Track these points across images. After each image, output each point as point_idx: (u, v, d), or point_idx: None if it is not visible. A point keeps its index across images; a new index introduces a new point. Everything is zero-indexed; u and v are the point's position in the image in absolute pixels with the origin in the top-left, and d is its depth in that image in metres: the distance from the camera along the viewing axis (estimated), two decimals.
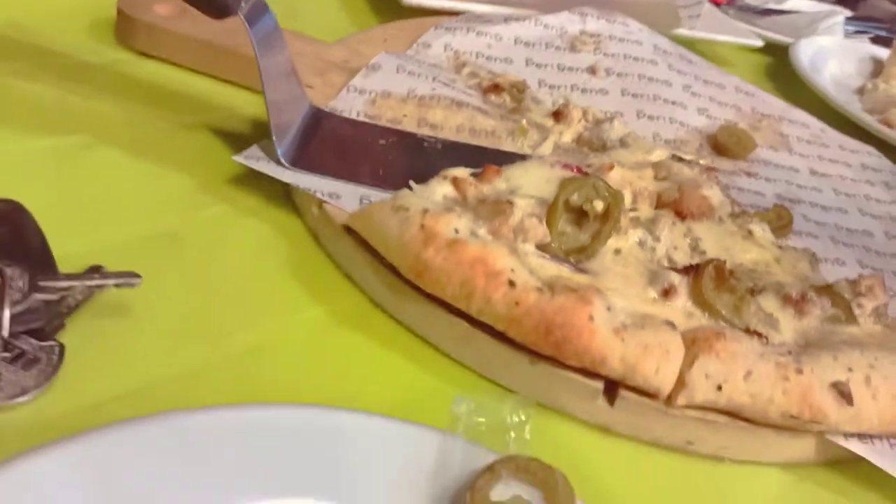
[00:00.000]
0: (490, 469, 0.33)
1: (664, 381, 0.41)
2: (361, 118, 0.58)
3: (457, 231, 0.44)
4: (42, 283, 0.35)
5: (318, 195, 0.48)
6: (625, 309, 0.43)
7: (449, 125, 0.60)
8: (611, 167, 0.54)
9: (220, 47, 0.61)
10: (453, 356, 0.44)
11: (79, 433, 0.30)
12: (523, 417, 0.35)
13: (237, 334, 0.42)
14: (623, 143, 0.62)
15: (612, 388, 0.42)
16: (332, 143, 0.54)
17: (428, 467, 0.33)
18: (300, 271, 0.47)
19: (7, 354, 0.33)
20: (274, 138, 0.50)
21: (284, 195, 0.52)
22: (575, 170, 0.53)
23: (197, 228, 0.48)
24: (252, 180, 0.52)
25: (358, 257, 0.46)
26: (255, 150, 0.51)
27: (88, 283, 0.37)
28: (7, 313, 0.33)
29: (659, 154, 0.61)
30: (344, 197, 0.49)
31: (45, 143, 0.51)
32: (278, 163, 0.50)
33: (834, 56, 1.06)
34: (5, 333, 0.33)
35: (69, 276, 0.36)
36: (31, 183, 0.48)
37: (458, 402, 0.36)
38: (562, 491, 0.32)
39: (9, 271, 0.34)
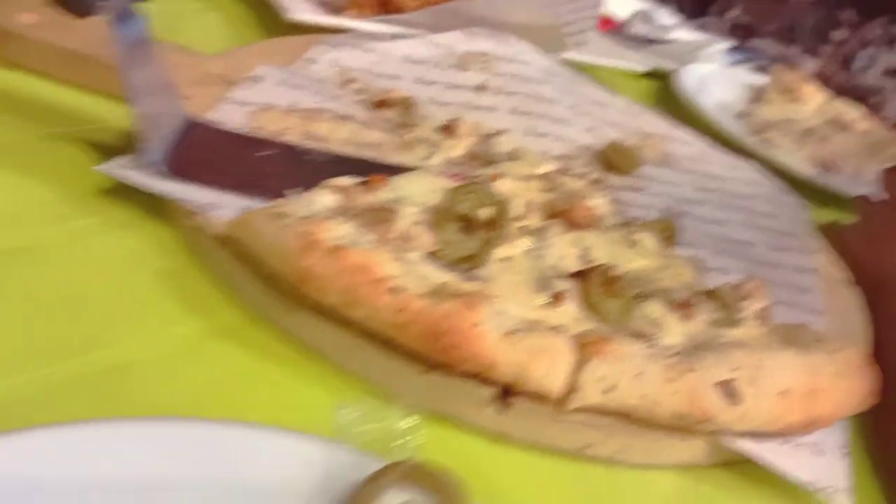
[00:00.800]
0: (375, 476, 0.31)
1: (555, 384, 0.40)
2: (241, 130, 0.55)
3: (339, 238, 0.42)
4: None
5: (193, 205, 0.46)
6: (514, 315, 0.42)
7: (334, 138, 0.58)
8: (498, 177, 0.53)
9: (88, 57, 0.58)
10: (341, 367, 0.42)
11: None
12: (412, 423, 0.33)
13: (101, 350, 0.39)
14: (512, 157, 0.62)
15: (504, 394, 0.40)
16: (208, 154, 0.51)
17: (313, 478, 0.31)
18: (173, 285, 0.44)
19: None
20: (143, 148, 0.47)
21: (157, 208, 0.49)
22: (462, 179, 0.52)
23: (59, 242, 0.45)
24: (123, 193, 0.48)
25: (236, 268, 0.44)
26: (123, 160, 0.48)
27: None
28: None
29: (546, 167, 0.60)
30: (220, 207, 0.46)
31: None
32: (149, 173, 0.47)
33: (716, 83, 1.10)
34: None
35: None
36: None
37: (343, 411, 0.33)
38: (455, 493, 0.31)
39: None
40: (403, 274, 0.41)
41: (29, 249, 0.43)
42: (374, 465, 0.31)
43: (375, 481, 0.31)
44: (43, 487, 0.28)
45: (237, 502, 0.31)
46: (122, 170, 0.46)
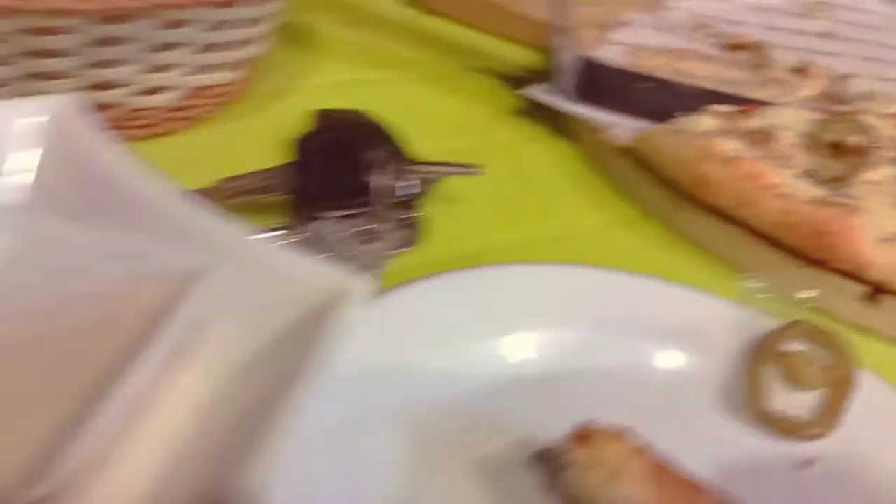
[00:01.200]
0: (780, 329, 0.39)
1: None
2: (623, 66, 0.65)
3: (730, 151, 0.50)
4: (412, 166, 0.44)
5: (599, 123, 0.56)
6: (886, 226, 0.48)
7: (700, 75, 0.66)
8: (861, 112, 0.58)
9: (495, 6, 0.70)
10: (724, 259, 0.50)
11: (452, 271, 0.38)
12: (807, 295, 0.41)
13: (539, 225, 0.51)
14: (865, 97, 0.66)
15: (874, 292, 0.47)
16: (599, 85, 0.61)
17: (723, 329, 0.40)
18: (581, 184, 0.55)
19: (395, 217, 0.43)
20: (558, 78, 0.58)
21: (553, 126, 0.60)
22: (826, 113, 0.57)
23: (493, 147, 0.57)
24: (526, 115, 0.60)
25: (634, 174, 0.53)
26: (539, 87, 0.59)
27: (446, 168, 0.46)
28: (397, 185, 0.43)
29: None
30: (619, 126, 0.56)
31: (361, 76, 0.62)
32: (562, 98, 0.58)
33: None
34: (395, 200, 0.43)
35: (429, 163, 0.46)
36: (356, 104, 0.58)
37: (746, 280, 0.42)
38: (846, 351, 0.38)
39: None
40: (787, 184, 0.48)
41: (475, 150, 0.55)
42: (775, 324, 0.39)
43: (780, 333, 0.39)
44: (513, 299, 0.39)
45: (653, 347, 0.40)
46: (542, 94, 0.58)
